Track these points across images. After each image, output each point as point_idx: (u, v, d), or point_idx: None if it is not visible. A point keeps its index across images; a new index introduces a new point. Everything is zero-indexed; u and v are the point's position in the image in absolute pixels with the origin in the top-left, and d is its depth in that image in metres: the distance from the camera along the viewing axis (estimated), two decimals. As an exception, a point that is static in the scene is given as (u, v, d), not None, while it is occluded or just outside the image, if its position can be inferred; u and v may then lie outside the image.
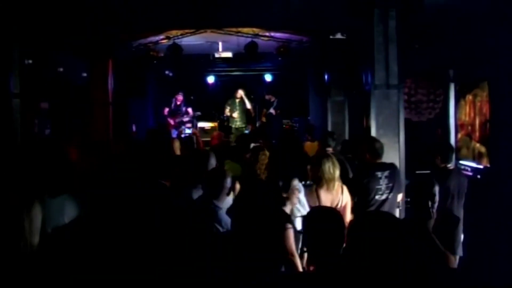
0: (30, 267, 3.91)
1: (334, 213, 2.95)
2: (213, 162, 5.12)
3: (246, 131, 13.70)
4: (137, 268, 3.68)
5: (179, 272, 3.25)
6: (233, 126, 13.85)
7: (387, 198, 5.46)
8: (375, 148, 5.64)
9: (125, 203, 4.39)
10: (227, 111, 14.10)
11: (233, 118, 14.08)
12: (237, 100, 14.10)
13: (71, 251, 3.98)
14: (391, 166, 5.63)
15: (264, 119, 14.20)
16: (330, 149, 7.13)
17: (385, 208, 5.46)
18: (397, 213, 5.83)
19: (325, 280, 2.51)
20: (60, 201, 4.40)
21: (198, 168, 5.08)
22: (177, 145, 7.59)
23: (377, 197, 5.43)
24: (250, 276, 2.79)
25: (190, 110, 13.90)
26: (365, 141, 5.90)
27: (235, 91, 14.11)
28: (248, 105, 14.07)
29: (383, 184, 5.45)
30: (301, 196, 4.96)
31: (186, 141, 8.45)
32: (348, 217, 5.14)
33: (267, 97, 14.32)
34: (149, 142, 8.37)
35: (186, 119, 13.83)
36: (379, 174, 5.47)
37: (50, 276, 3.77)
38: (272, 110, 14.09)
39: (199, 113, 14.31)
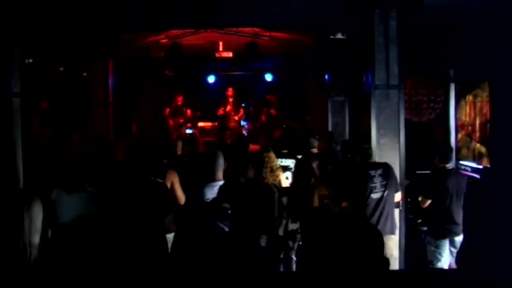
0: (31, 265, 3.92)
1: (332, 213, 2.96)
2: (221, 161, 5.09)
3: (245, 127, 13.83)
4: (137, 268, 3.69)
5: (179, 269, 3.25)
6: (229, 125, 13.91)
7: (382, 197, 5.50)
8: (363, 149, 5.74)
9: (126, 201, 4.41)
10: (222, 111, 14.20)
11: (229, 117, 14.16)
12: (231, 100, 14.20)
13: (85, 245, 4.01)
14: (383, 165, 5.69)
15: (264, 119, 14.23)
16: (314, 150, 7.17)
17: (381, 206, 5.49)
18: (396, 212, 5.84)
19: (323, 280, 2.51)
20: (76, 197, 4.46)
21: (207, 167, 5.06)
22: (179, 144, 7.60)
23: (372, 195, 5.46)
24: (250, 275, 2.80)
25: (189, 111, 13.97)
26: (355, 143, 5.99)
27: (226, 90, 14.25)
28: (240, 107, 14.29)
29: (377, 182, 5.49)
30: None
31: (190, 141, 8.47)
32: None
33: (268, 96, 14.36)
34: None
35: (186, 119, 13.87)
36: (372, 172, 5.52)
37: (61, 270, 3.79)
38: (272, 110, 14.13)
39: (198, 113, 14.34)
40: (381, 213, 5.47)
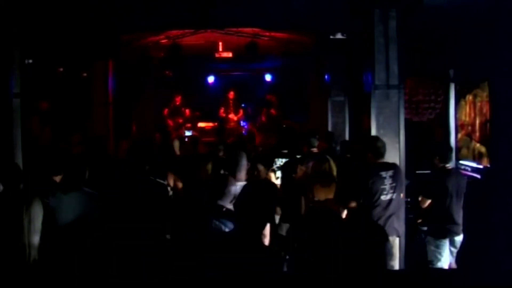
0: (31, 265, 3.91)
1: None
2: (244, 162, 5.08)
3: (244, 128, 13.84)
4: (136, 264, 3.68)
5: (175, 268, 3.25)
6: (228, 126, 13.90)
7: (391, 199, 5.44)
8: (377, 147, 5.58)
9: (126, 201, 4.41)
10: (222, 112, 14.17)
11: (228, 118, 14.15)
12: (230, 101, 14.18)
13: (80, 244, 4.01)
14: (394, 166, 5.61)
15: (264, 119, 14.23)
16: (314, 149, 7.15)
17: (391, 208, 5.44)
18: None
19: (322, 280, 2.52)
20: (72, 196, 4.46)
21: (230, 168, 5.05)
22: (176, 144, 7.61)
23: (382, 197, 5.40)
24: (251, 274, 2.79)
25: (188, 111, 13.95)
26: (367, 140, 5.87)
27: (228, 92, 14.18)
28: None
29: (387, 184, 5.41)
30: None
31: (191, 142, 8.50)
32: None
33: (268, 96, 14.36)
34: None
35: (185, 119, 13.86)
36: (383, 174, 5.43)
37: (58, 270, 3.79)
38: (272, 110, 14.12)
39: (198, 113, 14.32)
40: (389, 216, 5.42)
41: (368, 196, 5.39)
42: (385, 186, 5.40)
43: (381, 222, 5.33)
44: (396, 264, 5.52)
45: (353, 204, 5.43)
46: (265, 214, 3.09)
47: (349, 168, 6.47)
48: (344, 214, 5.49)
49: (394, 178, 5.47)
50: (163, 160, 5.93)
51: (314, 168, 5.82)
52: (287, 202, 5.80)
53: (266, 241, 5.05)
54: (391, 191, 5.43)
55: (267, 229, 5.14)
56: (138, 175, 4.93)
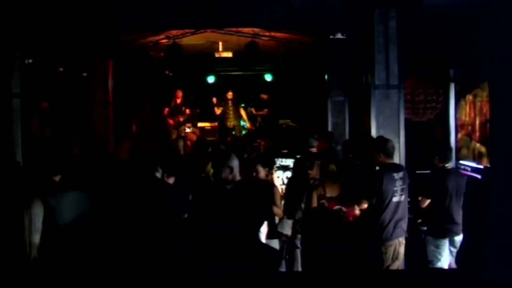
0: (31, 264, 3.92)
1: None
2: (236, 163, 5.06)
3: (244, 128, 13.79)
4: (134, 265, 3.69)
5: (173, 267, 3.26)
6: (228, 125, 13.84)
7: (400, 201, 5.45)
8: (387, 148, 5.57)
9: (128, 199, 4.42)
10: (218, 111, 14.06)
11: (227, 117, 14.08)
12: (229, 101, 14.11)
13: (80, 243, 4.01)
14: (402, 167, 5.62)
15: (259, 119, 14.18)
16: (313, 149, 7.16)
17: (400, 210, 5.45)
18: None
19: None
20: (70, 196, 4.47)
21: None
22: (181, 144, 7.62)
23: (393, 199, 5.40)
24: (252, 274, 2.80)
25: (188, 110, 13.91)
26: (377, 141, 5.85)
27: (226, 92, 14.15)
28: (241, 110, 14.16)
29: (398, 186, 5.41)
30: None
31: (196, 142, 8.52)
32: None
33: (261, 96, 14.29)
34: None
35: (185, 118, 13.83)
36: (395, 175, 5.43)
37: (57, 268, 3.79)
38: (262, 110, 14.04)
39: (197, 111, 14.26)
40: (400, 218, 5.42)
41: (381, 197, 5.38)
42: (396, 188, 5.40)
43: (391, 224, 5.34)
44: (401, 264, 5.53)
45: (365, 205, 5.44)
46: (258, 213, 3.10)
47: (352, 168, 6.48)
48: (357, 211, 5.49)
49: (404, 179, 5.48)
50: (168, 161, 5.93)
51: (323, 167, 5.85)
52: (294, 199, 5.82)
53: (262, 238, 5.08)
54: (401, 193, 5.43)
55: (264, 227, 5.17)
56: (145, 176, 4.94)
